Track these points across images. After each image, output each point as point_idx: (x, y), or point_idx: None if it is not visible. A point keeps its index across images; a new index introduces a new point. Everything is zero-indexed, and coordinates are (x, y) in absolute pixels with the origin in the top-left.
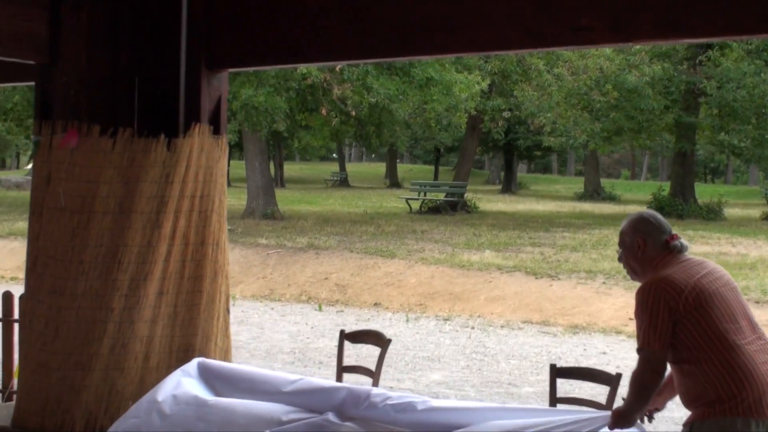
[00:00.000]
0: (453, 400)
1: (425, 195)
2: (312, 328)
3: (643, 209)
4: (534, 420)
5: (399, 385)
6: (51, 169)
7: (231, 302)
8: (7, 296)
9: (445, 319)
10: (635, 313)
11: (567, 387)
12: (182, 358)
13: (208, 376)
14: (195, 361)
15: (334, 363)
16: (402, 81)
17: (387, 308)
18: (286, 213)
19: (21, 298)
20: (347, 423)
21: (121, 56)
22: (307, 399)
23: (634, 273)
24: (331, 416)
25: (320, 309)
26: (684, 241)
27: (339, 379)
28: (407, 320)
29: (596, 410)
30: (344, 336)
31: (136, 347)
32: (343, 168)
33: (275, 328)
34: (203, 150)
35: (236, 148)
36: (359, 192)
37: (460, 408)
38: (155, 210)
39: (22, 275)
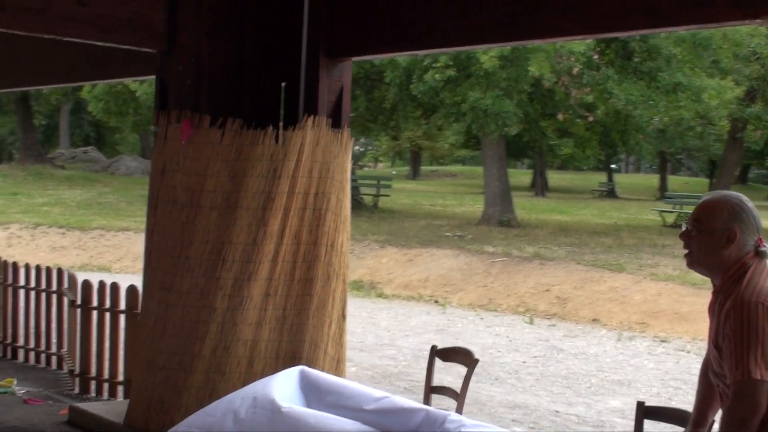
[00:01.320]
0: None
1: (681, 208)
2: (510, 341)
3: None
4: None
5: (567, 410)
6: (166, 160)
7: (442, 310)
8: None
9: (662, 341)
10: (730, 335)
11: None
12: (289, 365)
13: (304, 385)
14: (298, 368)
15: (512, 380)
16: (647, 86)
17: (605, 325)
18: (525, 221)
19: (127, 291)
20: None
21: (245, 44)
22: (385, 419)
23: (696, 261)
24: None
25: (531, 322)
26: None
27: (426, 399)
28: (619, 339)
29: None
30: (435, 352)
31: (239, 351)
32: (610, 178)
33: (471, 339)
34: (319, 144)
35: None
36: (622, 203)
37: None
38: (261, 206)
39: None
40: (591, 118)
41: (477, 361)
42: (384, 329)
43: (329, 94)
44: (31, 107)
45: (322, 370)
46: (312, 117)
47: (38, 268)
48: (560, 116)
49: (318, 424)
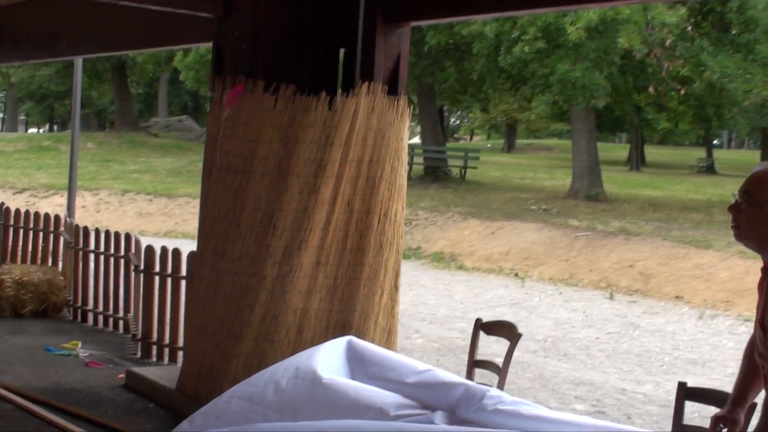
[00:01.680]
0: (567, 414)
1: None
2: (586, 317)
3: None
4: None
5: (635, 388)
6: (220, 126)
7: (521, 283)
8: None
9: (746, 320)
10: None
11: None
12: (339, 334)
13: (351, 356)
14: (346, 338)
15: (581, 356)
16: (743, 59)
17: (688, 302)
18: (614, 196)
19: (188, 257)
20: (452, 427)
21: (303, 9)
22: (425, 393)
23: (745, 235)
24: (438, 416)
25: (611, 298)
26: None
27: (469, 374)
28: (700, 317)
29: None
30: (479, 326)
31: (288, 319)
32: (710, 154)
33: (546, 313)
34: (374, 111)
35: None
36: (719, 179)
37: (571, 422)
38: (313, 173)
39: None
40: (683, 91)
41: (520, 335)
42: (458, 302)
43: (386, 60)
44: (126, 76)
45: (372, 340)
46: (367, 83)
47: (107, 233)
48: (651, 89)
49: (358, 396)
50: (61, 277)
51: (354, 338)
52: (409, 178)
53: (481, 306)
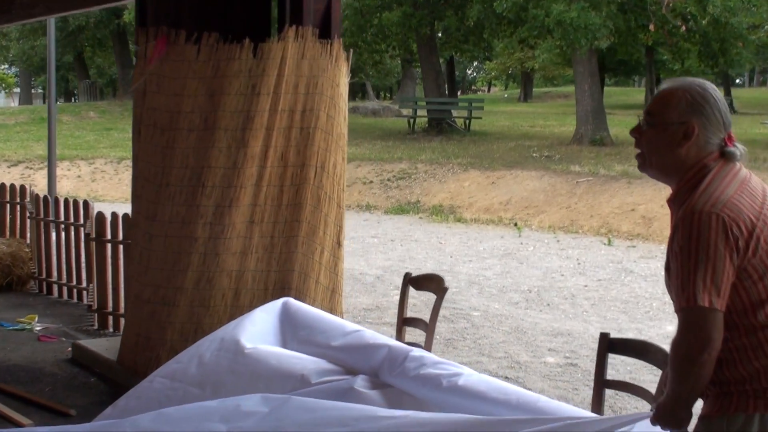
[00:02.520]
0: (494, 382)
1: None
2: (578, 264)
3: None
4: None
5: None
6: (146, 82)
7: (518, 233)
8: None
9: None
10: (677, 252)
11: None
12: (278, 297)
13: (284, 319)
14: (282, 300)
15: (565, 306)
16: None
17: None
18: (621, 139)
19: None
20: (372, 392)
21: None
22: (350, 356)
23: (648, 163)
24: (359, 381)
25: (609, 244)
26: (742, 146)
27: (399, 333)
28: None
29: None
30: (408, 280)
31: (224, 282)
32: (728, 92)
33: (538, 263)
34: (304, 57)
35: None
36: (736, 118)
37: (491, 395)
38: (240, 126)
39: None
40: (685, 28)
41: (446, 289)
42: (447, 255)
43: (316, 2)
44: (127, 43)
45: (314, 301)
46: (295, 27)
47: (66, 202)
48: (652, 26)
49: (280, 364)
50: (27, 250)
51: (290, 300)
52: (413, 132)
53: (471, 258)
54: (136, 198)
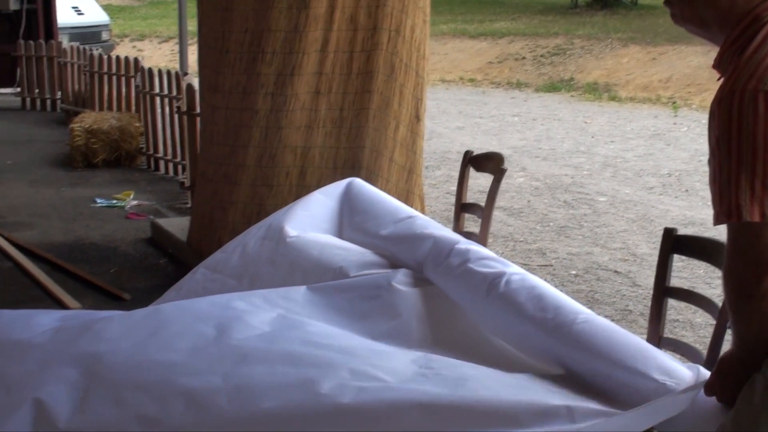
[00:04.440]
0: (535, 289)
1: None
2: None
3: None
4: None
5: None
6: None
7: (673, 112)
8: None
9: None
10: (713, 147)
11: None
12: (348, 176)
13: (344, 202)
14: (347, 180)
15: (705, 193)
16: None
17: None
18: None
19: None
20: (411, 290)
21: None
22: (395, 247)
23: (681, 15)
24: (399, 277)
25: None
26: None
27: (456, 219)
28: None
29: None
30: (468, 160)
31: (287, 159)
32: None
33: (687, 145)
34: None
35: None
36: None
37: (528, 309)
38: None
39: (479, 77)
40: None
41: (505, 170)
42: (589, 135)
43: None
44: None
45: (387, 182)
46: None
47: (168, 74)
48: None
49: (321, 255)
50: (137, 125)
51: (355, 181)
52: (575, 6)
53: (614, 139)
54: (201, 68)
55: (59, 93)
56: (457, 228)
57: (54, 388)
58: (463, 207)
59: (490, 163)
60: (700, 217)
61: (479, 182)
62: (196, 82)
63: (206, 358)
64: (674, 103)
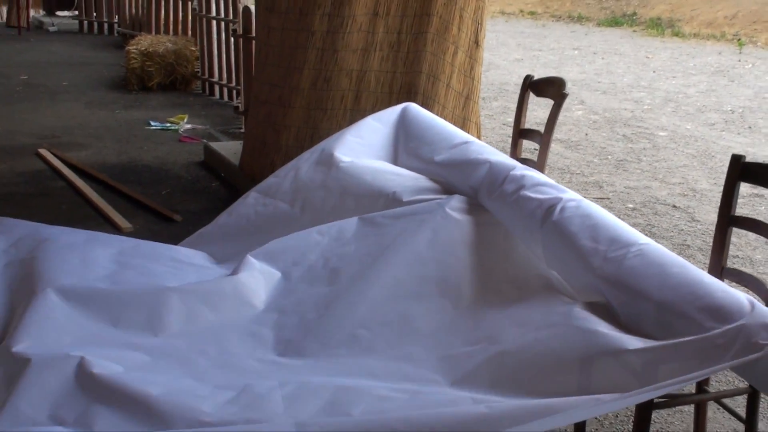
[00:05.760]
0: (589, 217)
1: None
2: None
3: None
4: None
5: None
6: None
7: (738, 49)
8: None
9: None
10: None
11: None
12: (404, 101)
13: (399, 127)
14: (402, 105)
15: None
16: None
17: None
18: None
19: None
20: (464, 216)
21: None
22: (450, 173)
23: None
24: (453, 203)
25: None
26: None
27: (514, 146)
28: None
29: None
30: (528, 85)
31: (343, 83)
32: None
33: (751, 82)
34: None
35: None
36: None
37: (581, 239)
38: None
39: (540, 10)
40: None
41: (566, 95)
42: (650, 70)
43: None
44: None
45: (444, 107)
46: None
47: None
48: None
49: (374, 180)
50: (193, 48)
51: (410, 106)
52: None
53: (676, 75)
54: None
55: (116, 16)
56: (515, 154)
57: None
58: (521, 133)
59: (551, 87)
60: (763, 154)
61: (536, 114)
62: (252, 5)
63: None
64: (739, 40)
